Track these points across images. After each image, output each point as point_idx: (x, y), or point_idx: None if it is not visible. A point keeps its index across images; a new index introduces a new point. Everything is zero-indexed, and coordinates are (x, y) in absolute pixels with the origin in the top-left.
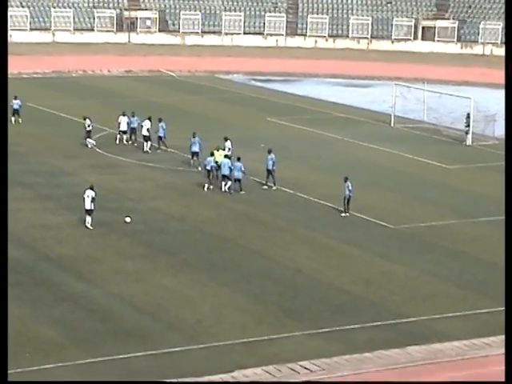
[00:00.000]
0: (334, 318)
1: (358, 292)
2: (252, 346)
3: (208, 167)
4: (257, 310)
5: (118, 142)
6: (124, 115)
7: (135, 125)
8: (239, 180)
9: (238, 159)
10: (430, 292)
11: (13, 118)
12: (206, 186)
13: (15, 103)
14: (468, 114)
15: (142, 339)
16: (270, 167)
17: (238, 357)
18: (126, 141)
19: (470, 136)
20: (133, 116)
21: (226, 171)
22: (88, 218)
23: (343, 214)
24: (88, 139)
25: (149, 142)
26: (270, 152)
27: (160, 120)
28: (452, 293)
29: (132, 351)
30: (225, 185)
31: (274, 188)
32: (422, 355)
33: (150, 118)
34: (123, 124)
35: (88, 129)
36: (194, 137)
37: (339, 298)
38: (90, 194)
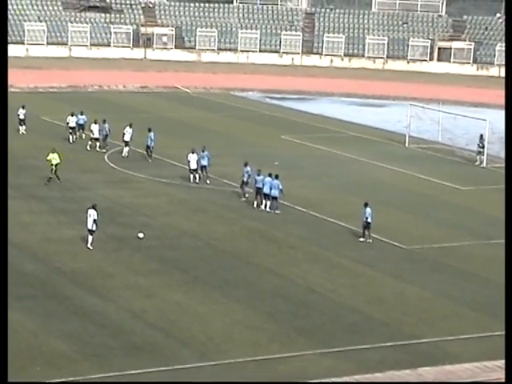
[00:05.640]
0: (346, 338)
1: (371, 312)
2: (263, 364)
3: (258, 185)
4: (269, 328)
5: (89, 148)
6: (96, 123)
7: (106, 132)
8: (276, 198)
9: (276, 177)
10: (442, 313)
11: (77, 133)
12: (256, 203)
13: (81, 119)
14: (481, 135)
15: (152, 355)
16: (245, 179)
17: (249, 374)
18: (99, 147)
19: (482, 157)
20: (104, 123)
21: (267, 190)
22: (89, 238)
23: (361, 239)
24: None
25: (126, 148)
26: (246, 165)
27: (149, 130)
28: (465, 315)
29: (143, 367)
30: (265, 205)
31: (243, 198)
32: (433, 377)
33: (131, 125)
34: (95, 131)
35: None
36: (203, 151)
37: (351, 318)
38: (91, 213)
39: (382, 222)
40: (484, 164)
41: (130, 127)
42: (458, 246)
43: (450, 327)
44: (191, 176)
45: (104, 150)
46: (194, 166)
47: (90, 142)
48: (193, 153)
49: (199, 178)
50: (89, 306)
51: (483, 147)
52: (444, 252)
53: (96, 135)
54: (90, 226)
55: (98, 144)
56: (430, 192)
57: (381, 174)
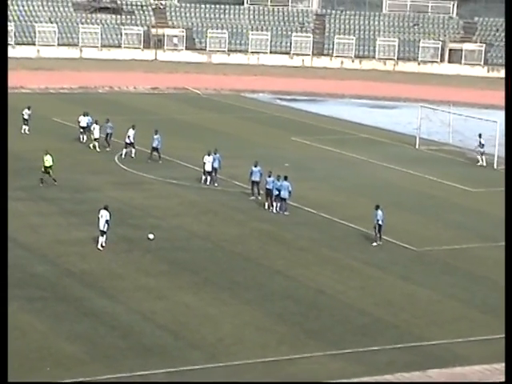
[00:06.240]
0: (356, 340)
1: (380, 314)
2: (273, 366)
3: (268, 186)
4: (278, 330)
5: (92, 147)
6: (97, 123)
7: (109, 130)
8: (285, 200)
9: (285, 178)
10: (452, 316)
11: (87, 134)
12: (267, 204)
13: (88, 119)
14: (480, 135)
15: (162, 356)
16: (258, 179)
17: (258, 376)
18: (99, 147)
19: (483, 157)
20: (107, 122)
21: (276, 191)
22: (100, 239)
23: (374, 244)
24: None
25: (133, 149)
26: (256, 165)
27: (156, 132)
28: (475, 317)
29: (152, 368)
30: (274, 205)
31: (258, 197)
32: (442, 378)
33: (133, 127)
34: (96, 131)
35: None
36: (215, 153)
37: (361, 320)
38: (103, 214)
39: (392, 223)
40: (495, 166)
41: (133, 129)
42: (467, 248)
43: (459, 329)
44: (203, 178)
45: (108, 149)
46: (208, 168)
47: (95, 143)
48: (209, 155)
49: (210, 180)
50: (99, 308)
51: (483, 146)
52: (454, 254)
53: (96, 136)
54: (101, 227)
55: (97, 144)
56: (440, 194)
57: (391, 175)
